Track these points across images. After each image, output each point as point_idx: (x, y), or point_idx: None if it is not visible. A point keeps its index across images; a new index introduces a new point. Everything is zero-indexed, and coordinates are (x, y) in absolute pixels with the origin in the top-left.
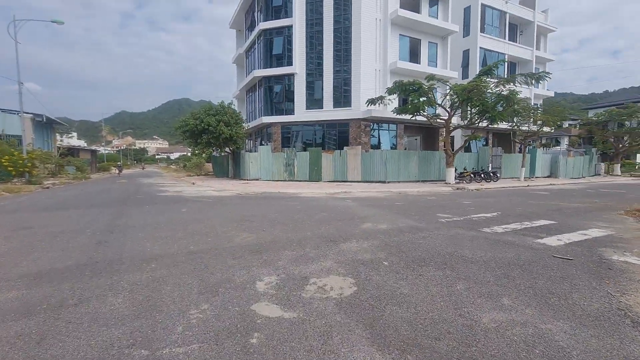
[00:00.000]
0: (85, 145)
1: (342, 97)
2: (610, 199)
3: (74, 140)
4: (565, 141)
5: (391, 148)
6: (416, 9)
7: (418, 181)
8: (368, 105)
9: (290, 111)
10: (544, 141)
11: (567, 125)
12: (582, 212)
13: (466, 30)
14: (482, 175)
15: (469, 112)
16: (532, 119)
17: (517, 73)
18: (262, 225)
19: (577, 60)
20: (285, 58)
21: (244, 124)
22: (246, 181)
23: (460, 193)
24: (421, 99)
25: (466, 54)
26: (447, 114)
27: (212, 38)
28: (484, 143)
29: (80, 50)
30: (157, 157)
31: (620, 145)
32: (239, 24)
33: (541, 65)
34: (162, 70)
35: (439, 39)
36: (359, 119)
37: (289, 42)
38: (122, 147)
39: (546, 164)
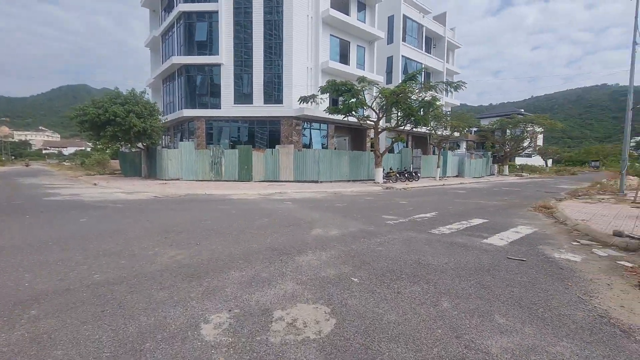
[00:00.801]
0: None
1: (274, 93)
2: (514, 197)
3: None
4: (463, 145)
5: (322, 148)
6: (346, 11)
7: (349, 181)
8: (300, 103)
9: (216, 105)
10: (452, 145)
11: (464, 131)
12: (502, 209)
13: (390, 38)
14: (406, 175)
15: (395, 115)
16: (445, 124)
17: (434, 82)
18: (194, 237)
19: (469, 75)
20: (209, 46)
21: (160, 117)
22: (164, 181)
23: (392, 192)
24: (354, 100)
25: (390, 60)
26: (377, 116)
27: (118, 18)
28: (405, 145)
29: None
30: (44, 152)
31: (508, 150)
32: (153, 3)
33: (450, 77)
34: (53, 51)
35: (366, 43)
36: (291, 116)
37: (214, 29)
38: None
39: (455, 165)
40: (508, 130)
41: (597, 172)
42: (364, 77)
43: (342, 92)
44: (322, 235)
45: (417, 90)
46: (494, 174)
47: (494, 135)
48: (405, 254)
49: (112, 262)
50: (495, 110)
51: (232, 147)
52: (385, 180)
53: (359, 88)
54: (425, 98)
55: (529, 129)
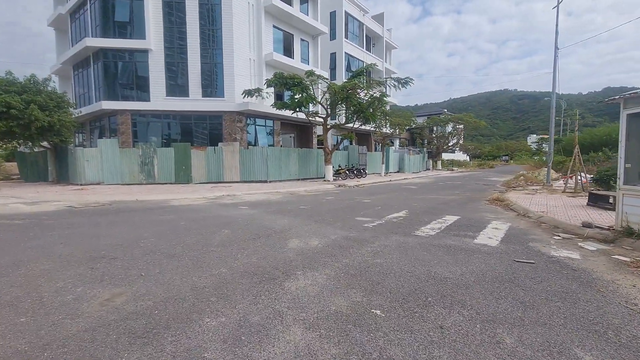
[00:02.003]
0: None
1: (214, 85)
2: (463, 190)
3: None
4: (397, 143)
5: (268, 145)
6: (288, 1)
7: (298, 179)
8: (244, 96)
9: (145, 97)
10: (388, 142)
11: (405, 129)
12: (463, 204)
13: (333, 34)
14: (355, 172)
15: (344, 111)
16: (390, 122)
17: (384, 77)
18: (135, 264)
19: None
20: (133, 28)
21: (72, 110)
22: (81, 187)
23: (347, 190)
24: (303, 95)
25: (333, 56)
26: (326, 112)
27: None
28: (350, 142)
29: None
30: None
31: (438, 146)
32: None
33: (389, 76)
34: None
35: (310, 38)
36: (234, 111)
37: (137, 9)
38: None
39: (396, 161)
40: (436, 128)
41: (509, 165)
42: (312, 71)
43: (290, 86)
44: (303, 247)
45: (367, 86)
46: (429, 169)
47: (425, 133)
48: (409, 265)
49: (9, 320)
50: (421, 110)
51: (166, 145)
52: (335, 177)
53: (308, 83)
54: (375, 94)
55: (458, 126)
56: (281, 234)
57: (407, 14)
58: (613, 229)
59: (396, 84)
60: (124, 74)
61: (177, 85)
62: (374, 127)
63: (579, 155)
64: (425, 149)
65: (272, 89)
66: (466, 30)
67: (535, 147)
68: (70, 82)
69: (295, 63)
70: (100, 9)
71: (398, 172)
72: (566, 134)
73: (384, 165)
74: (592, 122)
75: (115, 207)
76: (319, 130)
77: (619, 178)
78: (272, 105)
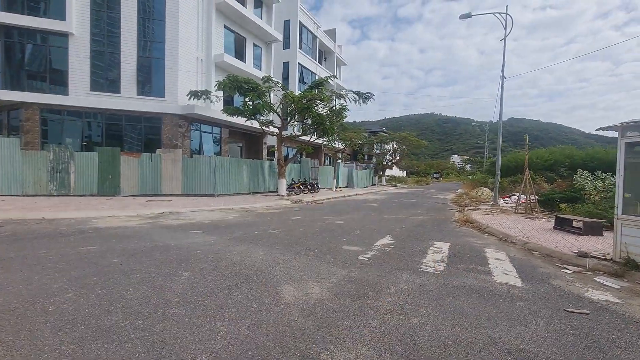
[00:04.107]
0: None
1: (153, 83)
2: (424, 209)
3: None
4: (340, 157)
5: (215, 154)
6: (242, 3)
7: (249, 193)
8: (190, 98)
9: (60, 90)
10: (340, 156)
11: (358, 143)
12: (437, 226)
13: (286, 43)
14: (308, 187)
15: (301, 123)
16: (345, 136)
17: (345, 90)
18: (49, 345)
19: None
20: (48, 5)
21: None
22: None
23: (308, 207)
24: (259, 102)
25: (286, 65)
26: (281, 122)
27: None
28: (301, 155)
29: None
30: None
31: (380, 162)
32: None
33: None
34: None
35: (263, 44)
36: (176, 114)
37: None
38: None
39: (345, 176)
40: (377, 145)
41: (441, 182)
42: (269, 77)
43: (244, 91)
44: (304, 300)
45: (328, 98)
46: (374, 185)
47: (366, 149)
48: (457, 326)
49: None
50: (360, 126)
51: (87, 148)
52: (288, 192)
53: (265, 89)
54: (335, 107)
55: (400, 145)
56: (265, 277)
57: (348, 35)
58: (612, 260)
59: (357, 98)
60: (33, 60)
61: (106, 79)
62: (327, 141)
63: (528, 177)
64: (371, 165)
65: (220, 93)
66: (399, 56)
67: (460, 166)
68: None
69: (248, 68)
70: None
71: (347, 186)
72: (489, 157)
73: (335, 180)
74: (503, 147)
75: (10, 231)
76: (269, 141)
77: (617, 207)
78: (222, 110)
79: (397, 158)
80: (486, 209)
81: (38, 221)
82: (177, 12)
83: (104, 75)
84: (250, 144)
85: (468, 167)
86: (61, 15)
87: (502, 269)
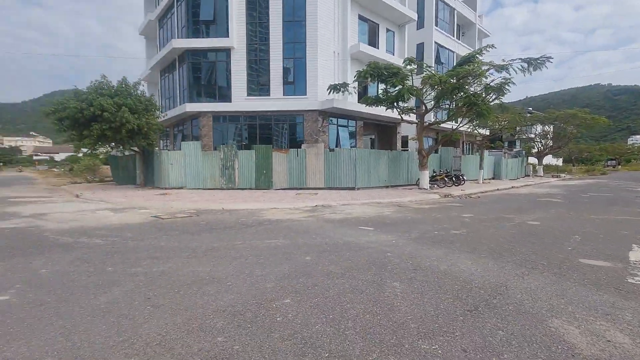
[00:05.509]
0: None
1: (296, 82)
2: (631, 208)
3: None
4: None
5: (351, 147)
6: None
7: (388, 186)
8: (330, 92)
9: (226, 97)
10: (494, 143)
11: (518, 129)
12: None
13: (420, 23)
14: (453, 179)
15: (444, 108)
16: (501, 119)
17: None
18: None
19: None
20: (217, 26)
21: (158, 113)
22: (165, 191)
23: (469, 202)
24: (401, 87)
25: (420, 47)
26: (424, 108)
27: (106, 21)
28: (433, 143)
29: None
30: (34, 157)
31: (543, 148)
32: None
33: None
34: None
35: (396, 27)
36: (316, 110)
37: (221, 5)
38: None
39: (490, 166)
40: (538, 127)
41: (621, 172)
42: (412, 59)
43: (386, 78)
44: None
45: (484, 72)
46: (528, 175)
47: (514, 133)
48: None
49: None
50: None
51: (246, 147)
52: (431, 185)
53: (407, 72)
54: (493, 83)
55: (568, 125)
56: (507, 301)
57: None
58: None
59: (526, 66)
60: (207, 75)
61: (258, 84)
62: (472, 127)
63: None
64: (523, 152)
65: (355, 85)
66: (544, 20)
67: None
68: (157, 88)
69: (381, 54)
70: (186, 10)
71: (493, 178)
72: None
73: (482, 171)
74: None
75: (204, 220)
76: (403, 130)
77: None
78: (360, 101)
79: (565, 141)
80: None
81: (220, 212)
82: (316, 11)
83: (257, 81)
84: (382, 135)
85: None
86: (225, 33)
87: None
